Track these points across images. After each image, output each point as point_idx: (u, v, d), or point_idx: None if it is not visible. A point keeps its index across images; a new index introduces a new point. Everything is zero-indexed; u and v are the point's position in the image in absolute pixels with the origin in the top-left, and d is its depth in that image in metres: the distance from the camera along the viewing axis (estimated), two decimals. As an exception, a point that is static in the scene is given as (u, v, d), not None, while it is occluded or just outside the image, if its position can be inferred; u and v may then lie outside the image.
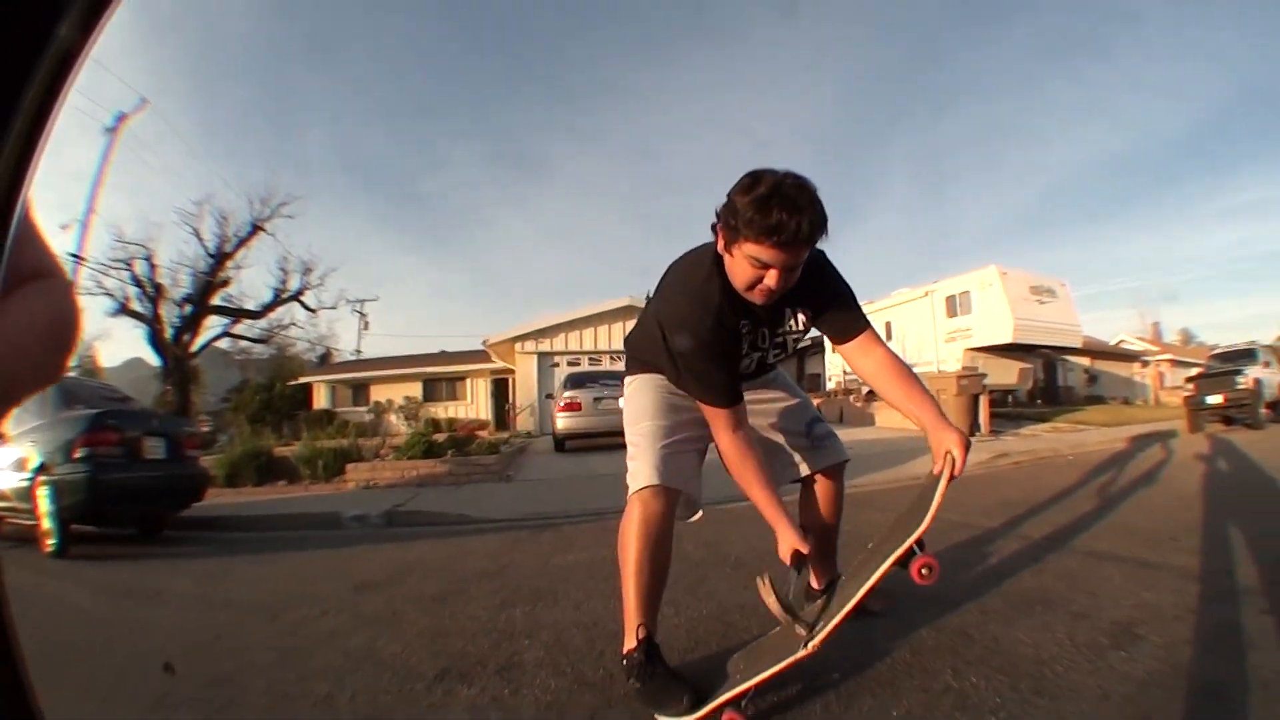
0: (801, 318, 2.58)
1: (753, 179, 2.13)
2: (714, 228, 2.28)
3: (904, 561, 2.12)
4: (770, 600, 2.17)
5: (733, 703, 2.17)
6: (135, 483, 6.74)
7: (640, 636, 2.43)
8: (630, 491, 2.59)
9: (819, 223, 2.13)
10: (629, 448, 2.69)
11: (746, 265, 2.17)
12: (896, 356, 2.59)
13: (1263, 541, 4.67)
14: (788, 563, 2.35)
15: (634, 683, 2.38)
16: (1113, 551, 4.51)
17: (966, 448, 2.25)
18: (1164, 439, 14.79)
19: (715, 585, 4.02)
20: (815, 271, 2.39)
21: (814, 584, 3.26)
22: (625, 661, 2.45)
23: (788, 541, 2.35)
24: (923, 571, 2.09)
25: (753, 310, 2.38)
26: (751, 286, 2.22)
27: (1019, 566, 4.20)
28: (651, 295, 2.70)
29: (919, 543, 2.13)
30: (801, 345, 2.77)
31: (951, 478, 2.19)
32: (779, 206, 2.04)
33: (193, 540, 7.29)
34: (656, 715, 2.26)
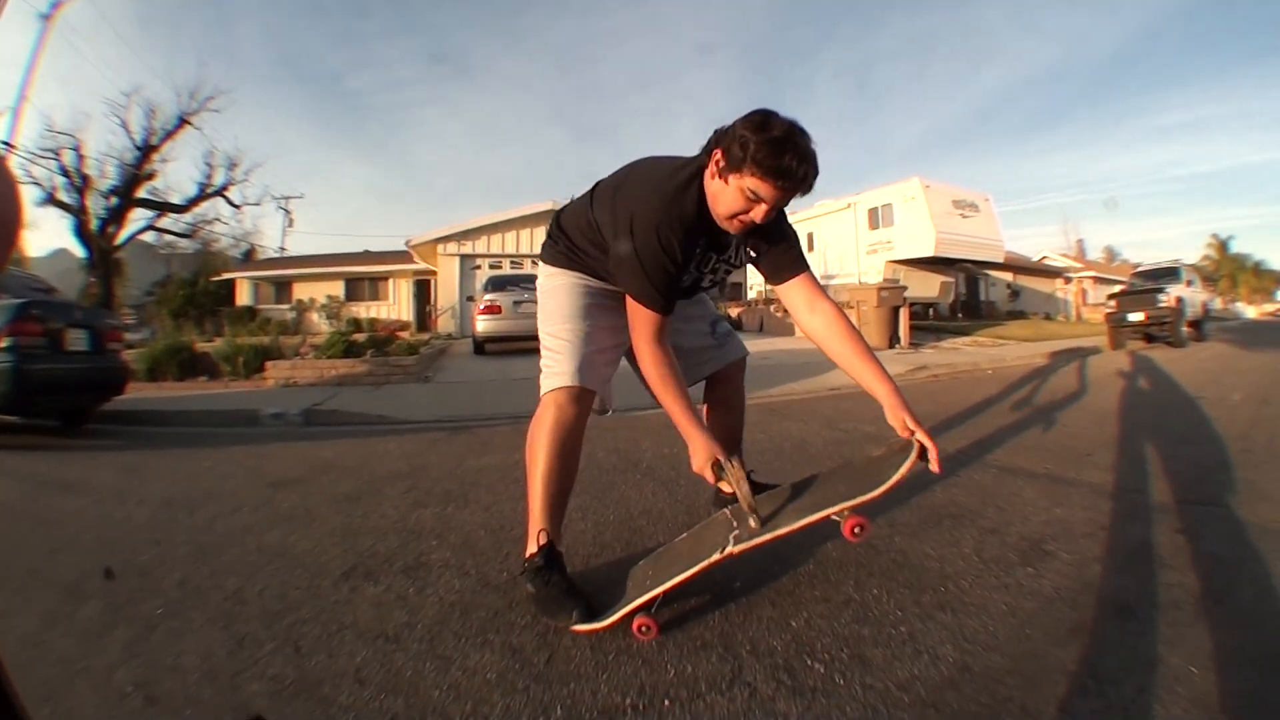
0: (744, 251, 2.63)
1: (765, 118, 2.20)
2: (707, 150, 2.32)
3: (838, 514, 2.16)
4: (741, 486, 2.20)
5: (644, 608, 2.17)
6: (58, 374, 6.60)
7: (541, 542, 2.42)
8: (544, 391, 2.57)
9: (816, 176, 2.25)
10: (546, 346, 2.64)
11: (739, 196, 2.23)
12: (846, 317, 2.61)
13: (1178, 460, 4.74)
14: (705, 475, 2.31)
15: (529, 588, 2.37)
16: (1026, 467, 4.56)
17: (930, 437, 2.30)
18: (1084, 355, 15.20)
19: (624, 491, 4.02)
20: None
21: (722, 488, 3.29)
22: (525, 566, 2.44)
23: (704, 452, 2.31)
24: (854, 530, 2.17)
25: (711, 232, 2.43)
26: (734, 216, 2.29)
27: (930, 481, 4.19)
28: (607, 187, 2.58)
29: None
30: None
31: (919, 458, 2.22)
32: (792, 153, 2.14)
33: (114, 434, 7.13)
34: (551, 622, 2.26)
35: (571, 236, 2.73)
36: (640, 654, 2.09)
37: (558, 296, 2.70)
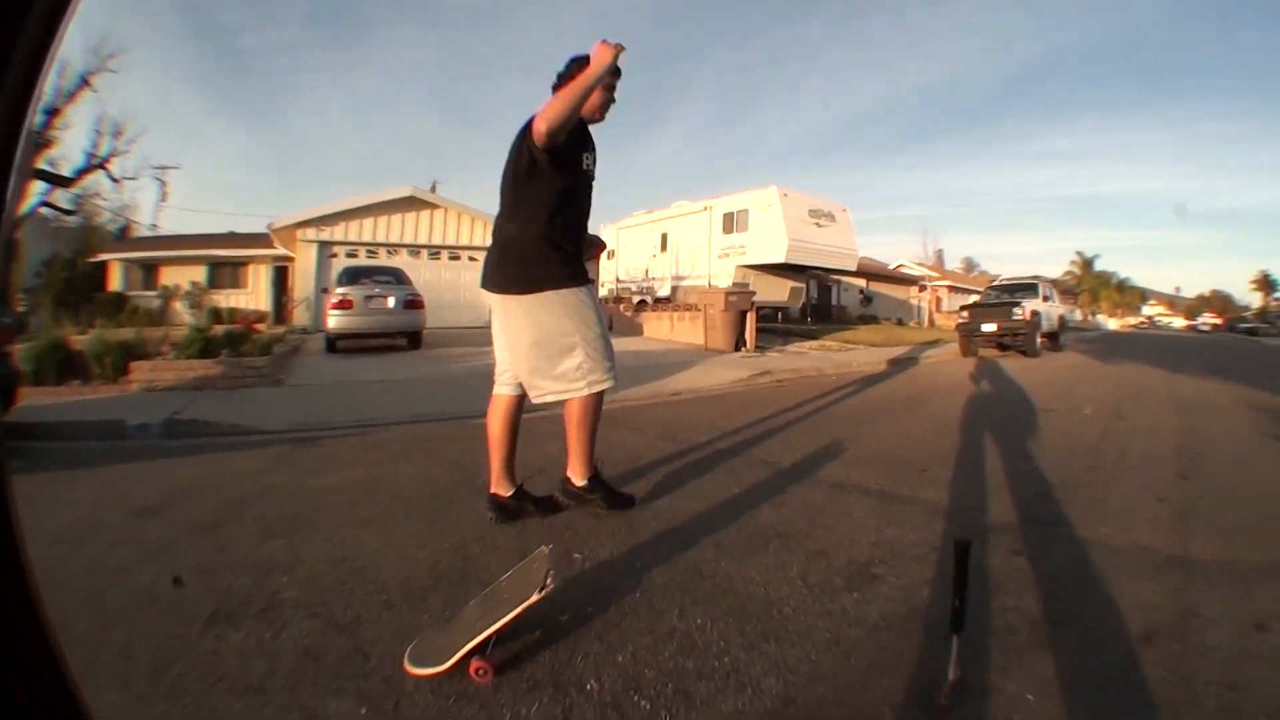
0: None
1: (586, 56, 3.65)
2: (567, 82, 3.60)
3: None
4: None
5: (478, 650, 2.23)
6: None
7: (591, 473, 3.99)
8: (597, 388, 3.74)
9: None
10: (589, 348, 3.71)
11: (598, 92, 3.70)
12: None
13: (1021, 476, 4.88)
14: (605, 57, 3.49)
15: (601, 502, 4.00)
16: (859, 483, 4.65)
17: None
18: (933, 362, 15.93)
19: (459, 514, 4.06)
20: None
21: (576, 482, 4.03)
22: (578, 490, 4.01)
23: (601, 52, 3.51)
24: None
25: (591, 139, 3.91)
26: (598, 107, 3.85)
27: (761, 497, 4.30)
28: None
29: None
30: None
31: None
32: None
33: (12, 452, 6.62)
34: (409, 666, 2.28)
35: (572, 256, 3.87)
36: (478, 697, 2.15)
37: (590, 308, 3.82)
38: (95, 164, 29.60)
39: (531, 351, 3.70)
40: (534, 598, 2.28)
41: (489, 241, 4.02)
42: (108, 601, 2.96)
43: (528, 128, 3.55)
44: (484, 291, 3.92)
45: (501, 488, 3.87)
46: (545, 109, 3.42)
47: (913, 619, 2.67)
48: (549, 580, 2.35)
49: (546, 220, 3.66)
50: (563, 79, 3.72)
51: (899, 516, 3.98)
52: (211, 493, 4.52)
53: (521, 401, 3.94)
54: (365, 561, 3.15)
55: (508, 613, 2.27)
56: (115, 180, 31.60)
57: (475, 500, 4.21)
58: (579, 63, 3.65)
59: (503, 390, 3.93)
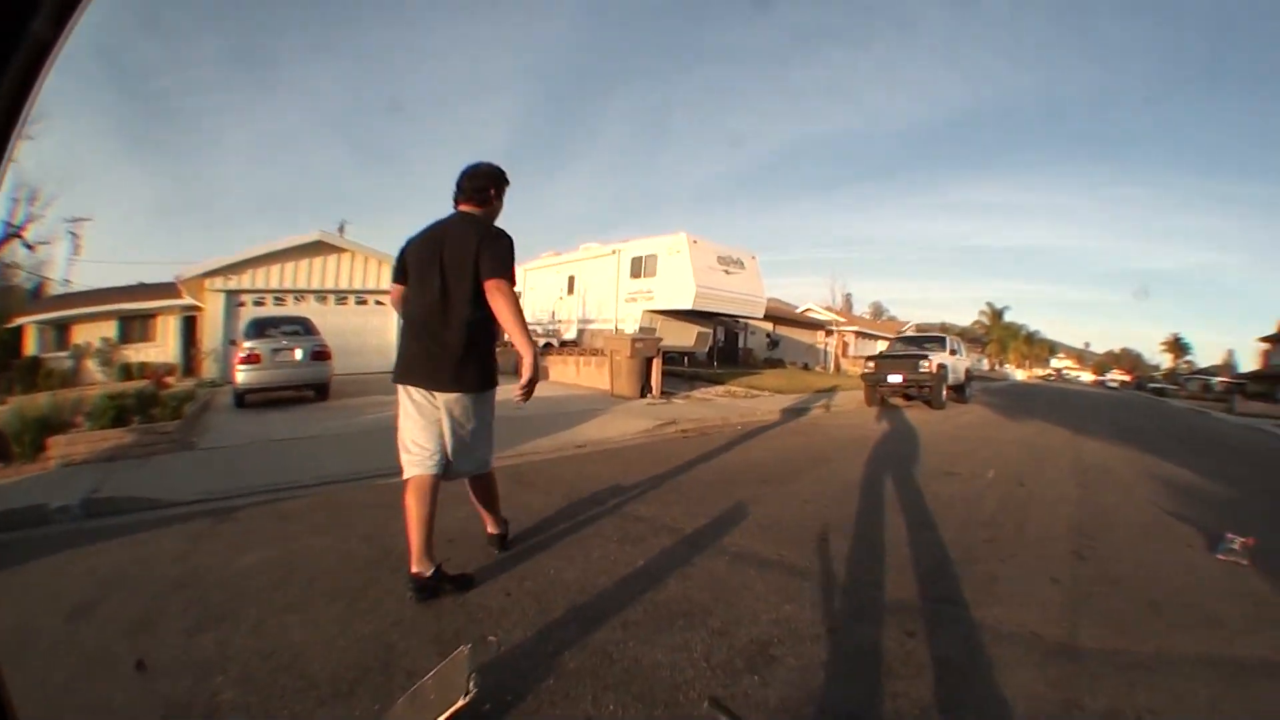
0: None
1: (489, 164, 4.31)
2: (487, 199, 4.28)
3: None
4: None
5: None
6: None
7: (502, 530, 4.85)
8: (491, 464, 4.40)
9: None
10: (489, 436, 4.34)
11: (497, 202, 4.33)
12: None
13: (919, 547, 5.01)
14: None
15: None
16: (760, 553, 4.79)
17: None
18: (835, 411, 16.26)
19: (377, 595, 4.09)
20: None
21: (492, 530, 4.84)
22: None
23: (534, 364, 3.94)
24: None
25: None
26: (497, 215, 4.33)
27: (667, 568, 4.46)
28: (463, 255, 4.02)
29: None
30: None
31: None
32: None
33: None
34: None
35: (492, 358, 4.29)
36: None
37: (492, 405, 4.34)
38: (12, 233, 29.02)
39: (478, 438, 4.26)
40: (459, 703, 2.44)
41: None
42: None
43: (482, 245, 4.03)
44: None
45: (422, 566, 3.97)
46: (497, 304, 4.03)
47: (808, 704, 2.81)
48: (472, 685, 2.51)
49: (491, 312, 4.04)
50: (462, 188, 4.27)
51: (797, 592, 4.13)
52: (138, 582, 4.49)
53: (440, 479, 4.13)
54: (293, 655, 3.18)
55: (435, 716, 2.42)
56: (30, 247, 30.92)
57: (390, 578, 4.28)
58: (486, 176, 4.31)
59: (426, 471, 4.07)
